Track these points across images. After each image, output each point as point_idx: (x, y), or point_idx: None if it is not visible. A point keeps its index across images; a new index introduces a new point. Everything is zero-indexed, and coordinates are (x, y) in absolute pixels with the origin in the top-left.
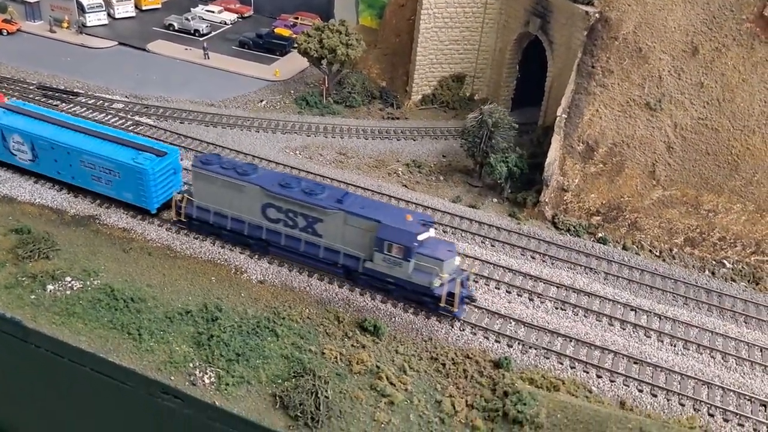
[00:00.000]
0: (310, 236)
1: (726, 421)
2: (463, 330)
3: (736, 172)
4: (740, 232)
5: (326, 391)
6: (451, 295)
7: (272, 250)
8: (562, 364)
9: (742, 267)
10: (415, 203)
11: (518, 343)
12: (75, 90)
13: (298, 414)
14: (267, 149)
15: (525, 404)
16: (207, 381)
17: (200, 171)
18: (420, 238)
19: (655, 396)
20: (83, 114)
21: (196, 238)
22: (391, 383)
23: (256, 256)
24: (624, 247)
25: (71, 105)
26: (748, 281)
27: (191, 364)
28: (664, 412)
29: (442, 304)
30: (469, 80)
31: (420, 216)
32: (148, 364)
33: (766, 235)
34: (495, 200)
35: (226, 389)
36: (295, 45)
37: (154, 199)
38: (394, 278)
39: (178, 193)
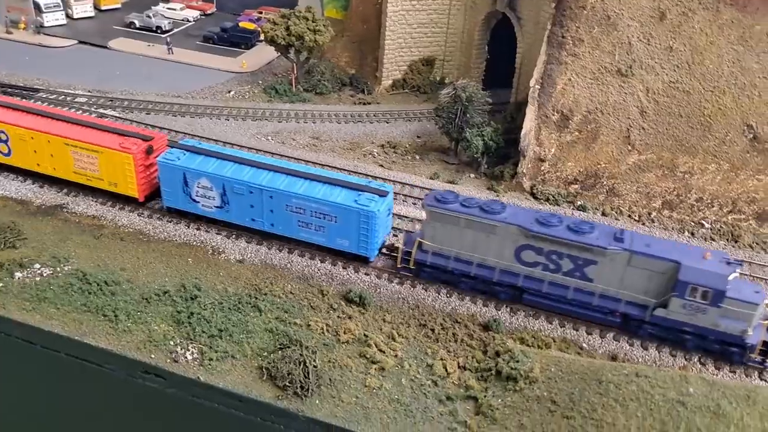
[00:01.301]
0: (578, 281)
1: (717, 369)
2: (450, 296)
3: (709, 133)
4: (716, 191)
5: (314, 360)
6: (766, 344)
7: (527, 299)
8: (551, 323)
9: (721, 226)
10: (393, 180)
11: (506, 306)
12: (35, 86)
13: (287, 384)
14: (238, 136)
15: (518, 361)
16: (189, 357)
17: (436, 210)
18: (729, 279)
19: (647, 349)
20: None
21: (170, 222)
22: (381, 350)
23: (234, 236)
24: (603, 214)
25: (32, 101)
26: (727, 240)
27: (172, 342)
28: (656, 363)
29: (754, 356)
30: (439, 63)
31: (720, 254)
32: (126, 344)
33: (742, 193)
34: (473, 176)
35: (209, 364)
36: (261, 38)
37: (375, 244)
38: (694, 327)
39: (392, 236)
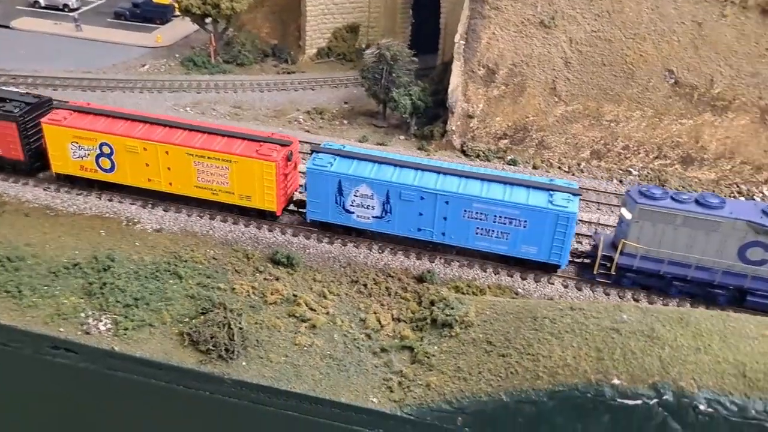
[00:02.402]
0: None
1: (651, 303)
2: (382, 252)
3: (632, 80)
4: (642, 138)
5: (239, 322)
6: None
7: (752, 301)
8: (485, 271)
9: (648, 172)
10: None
11: (440, 257)
12: None
13: (210, 348)
14: (154, 108)
15: (453, 308)
16: (102, 328)
17: (647, 208)
18: None
19: (581, 290)
20: None
21: (79, 194)
22: (311, 309)
23: (150, 205)
24: (534, 167)
25: None
26: (655, 185)
27: (83, 314)
28: (590, 300)
29: None
30: (364, 30)
31: None
32: (31, 319)
33: (666, 138)
34: (402, 137)
35: (125, 334)
36: (177, 13)
37: (568, 249)
38: None
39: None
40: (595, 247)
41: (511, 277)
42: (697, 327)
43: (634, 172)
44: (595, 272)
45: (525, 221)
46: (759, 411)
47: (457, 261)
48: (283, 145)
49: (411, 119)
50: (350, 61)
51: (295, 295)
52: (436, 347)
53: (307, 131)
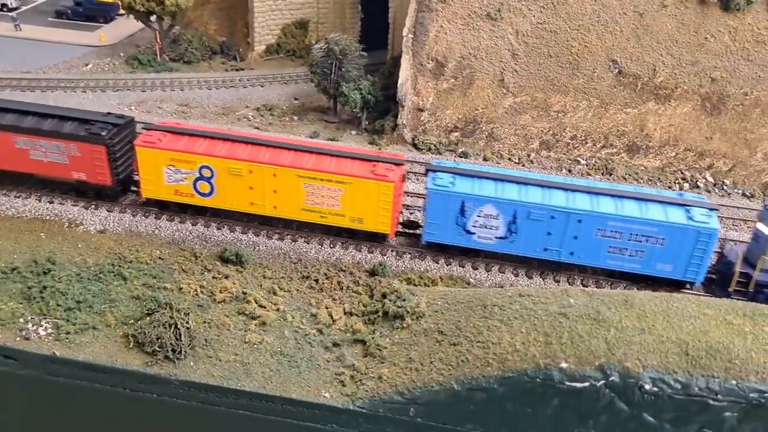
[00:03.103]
0: None
1: (599, 287)
2: (334, 247)
3: (577, 71)
4: (589, 128)
5: (187, 322)
6: None
7: None
8: (437, 263)
9: (595, 161)
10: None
11: (392, 250)
12: None
13: (156, 349)
14: (97, 107)
15: (404, 300)
16: (43, 333)
17: None
18: None
19: (531, 278)
20: None
21: (18, 197)
22: (261, 306)
23: (93, 206)
24: (485, 159)
25: None
26: (602, 173)
27: (21, 319)
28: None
29: None
30: (313, 26)
31: None
32: None
33: (612, 127)
34: (354, 132)
35: (67, 338)
36: (122, 11)
37: (705, 266)
38: None
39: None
40: (726, 263)
41: (463, 267)
42: (642, 308)
43: (583, 162)
44: (731, 289)
45: (663, 239)
46: (702, 388)
47: (409, 253)
48: (396, 165)
49: (362, 114)
50: (300, 57)
51: (244, 293)
52: (387, 339)
53: (257, 128)
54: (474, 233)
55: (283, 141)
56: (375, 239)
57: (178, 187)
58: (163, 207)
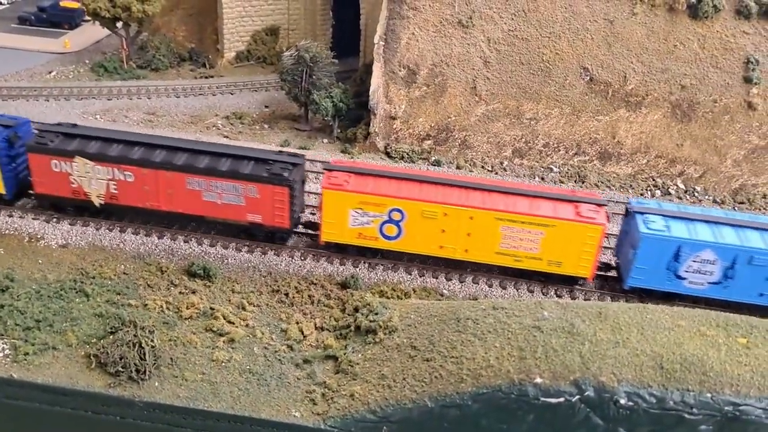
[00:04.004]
0: None
1: (574, 298)
2: (305, 259)
3: (549, 78)
4: (561, 135)
5: (151, 340)
6: None
7: None
8: (410, 274)
9: (568, 169)
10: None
11: (365, 262)
12: None
13: (120, 369)
14: (61, 117)
15: (377, 314)
16: (0, 355)
17: None
18: None
19: (505, 288)
20: None
21: None
22: (230, 322)
23: (55, 219)
24: (458, 167)
25: None
26: (575, 181)
27: None
28: (514, 299)
29: None
30: (284, 33)
31: None
32: None
33: (585, 135)
34: (326, 140)
35: (25, 359)
36: (87, 17)
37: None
38: None
39: None
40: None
41: (436, 278)
42: (616, 320)
43: (555, 169)
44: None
45: None
46: (677, 402)
47: (382, 265)
48: (599, 205)
49: (334, 122)
50: (271, 64)
51: (212, 309)
52: (360, 355)
53: (226, 137)
54: (685, 278)
55: (474, 181)
56: (567, 282)
57: (363, 231)
58: (341, 250)
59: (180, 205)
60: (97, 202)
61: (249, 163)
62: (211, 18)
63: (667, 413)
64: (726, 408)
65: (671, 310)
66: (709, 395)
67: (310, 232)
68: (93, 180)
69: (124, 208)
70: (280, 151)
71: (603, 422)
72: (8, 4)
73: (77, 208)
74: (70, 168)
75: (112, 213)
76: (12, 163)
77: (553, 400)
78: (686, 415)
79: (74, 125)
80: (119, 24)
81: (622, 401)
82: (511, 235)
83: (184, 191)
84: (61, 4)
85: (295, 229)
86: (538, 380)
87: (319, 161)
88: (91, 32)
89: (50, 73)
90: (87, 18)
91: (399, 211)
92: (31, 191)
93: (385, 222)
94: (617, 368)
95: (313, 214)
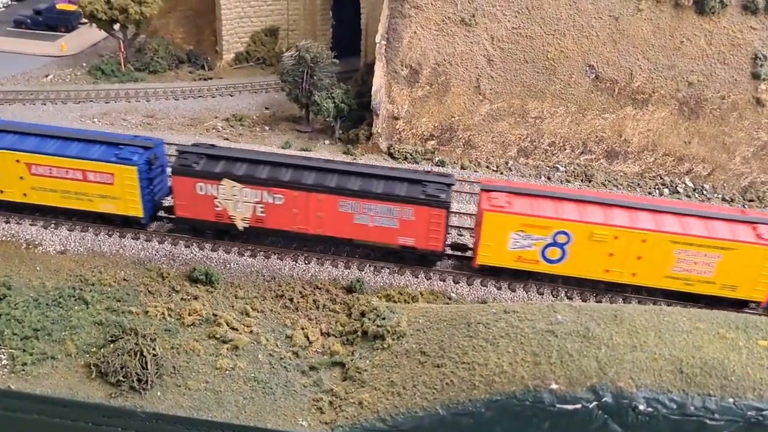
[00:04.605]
0: None
1: (584, 301)
2: (309, 263)
3: (554, 76)
4: (567, 134)
5: (153, 348)
6: None
7: None
8: (417, 277)
9: (574, 168)
10: None
11: (370, 265)
12: None
13: (121, 379)
14: (58, 120)
15: (384, 318)
16: None
17: None
18: None
19: (514, 291)
20: None
21: None
22: (233, 328)
23: (53, 225)
24: (462, 167)
25: None
26: (582, 180)
27: None
28: (524, 302)
29: None
30: (284, 33)
31: None
32: None
33: (591, 133)
34: (327, 142)
35: (23, 370)
36: (84, 20)
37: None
38: None
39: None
40: None
41: (444, 281)
42: (632, 324)
43: (561, 168)
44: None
45: None
46: (698, 407)
47: (388, 268)
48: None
49: (335, 123)
50: (270, 65)
51: (215, 315)
52: (368, 361)
53: (226, 139)
54: None
55: (642, 201)
56: (736, 305)
57: (523, 254)
58: (495, 273)
59: (329, 228)
60: (241, 225)
61: (403, 184)
62: (210, 19)
63: (688, 419)
64: (749, 413)
65: (688, 312)
66: (731, 400)
67: (459, 254)
68: (239, 203)
69: (269, 232)
70: (429, 171)
71: (621, 429)
72: (4, 7)
73: (217, 232)
74: (215, 191)
75: (252, 237)
76: (149, 186)
77: (570, 407)
78: (708, 421)
79: (212, 146)
80: (116, 26)
81: (641, 407)
82: (686, 258)
83: (335, 214)
84: (58, 6)
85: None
86: (554, 386)
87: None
88: (88, 35)
89: (47, 76)
90: (84, 21)
91: (565, 233)
92: (167, 214)
93: (548, 245)
94: (635, 373)
95: (461, 235)
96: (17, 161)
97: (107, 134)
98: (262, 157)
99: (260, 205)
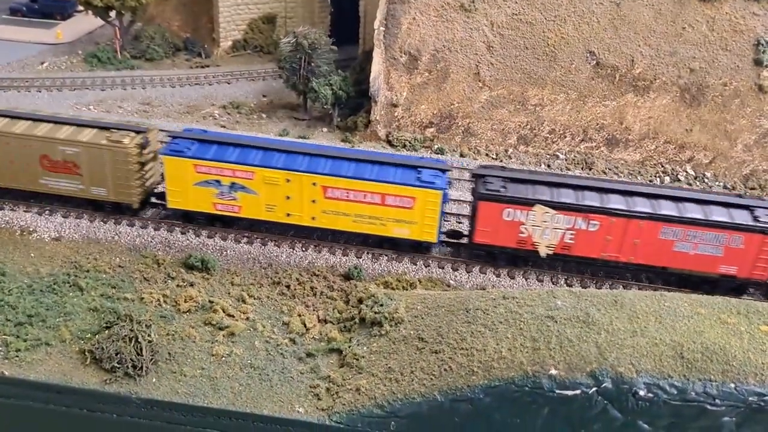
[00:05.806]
0: None
1: (584, 287)
2: (306, 250)
3: (554, 63)
4: (567, 122)
5: (148, 335)
6: None
7: None
8: (415, 264)
9: (575, 156)
10: None
11: (368, 252)
12: None
13: (115, 365)
14: (53, 108)
15: (382, 305)
16: None
17: None
18: None
19: (513, 278)
20: None
21: None
22: (229, 315)
23: (47, 212)
24: (461, 155)
25: None
26: (582, 168)
27: None
28: (523, 288)
29: None
30: (281, 21)
31: None
32: None
33: (591, 120)
34: (325, 129)
35: (17, 355)
36: (80, 8)
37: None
38: None
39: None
40: None
41: (443, 269)
42: (632, 309)
43: (561, 156)
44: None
45: None
46: (699, 393)
47: (386, 255)
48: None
49: (333, 110)
50: (268, 53)
51: (211, 302)
52: (365, 348)
53: (223, 126)
54: None
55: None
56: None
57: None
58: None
59: (644, 256)
60: (544, 252)
61: (726, 209)
62: (206, 6)
63: (689, 405)
64: (750, 398)
65: (689, 297)
66: (732, 385)
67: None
68: (548, 230)
69: (572, 258)
70: (739, 194)
71: (621, 415)
72: None
73: (513, 257)
74: (524, 217)
75: (553, 264)
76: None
77: (569, 393)
78: (708, 407)
79: (506, 168)
80: (112, 13)
81: (642, 393)
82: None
83: (654, 241)
84: None
85: None
86: (553, 372)
87: None
88: (84, 23)
89: (42, 64)
90: (79, 8)
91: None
92: (462, 240)
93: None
94: (636, 358)
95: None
96: (314, 184)
97: (397, 156)
98: (567, 180)
99: (570, 232)
